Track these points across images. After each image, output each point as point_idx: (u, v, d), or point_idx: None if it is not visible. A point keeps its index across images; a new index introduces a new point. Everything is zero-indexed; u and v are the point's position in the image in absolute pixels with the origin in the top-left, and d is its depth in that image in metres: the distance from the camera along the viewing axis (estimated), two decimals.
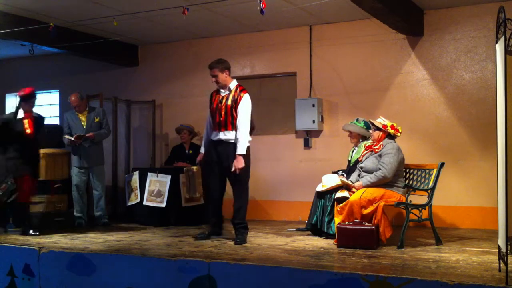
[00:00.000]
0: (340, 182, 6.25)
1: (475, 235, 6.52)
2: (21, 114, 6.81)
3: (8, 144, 6.75)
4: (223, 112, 5.96)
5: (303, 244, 5.89)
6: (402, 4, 6.86)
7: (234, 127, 5.94)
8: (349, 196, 5.91)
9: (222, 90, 6.08)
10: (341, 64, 8.08)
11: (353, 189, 6.00)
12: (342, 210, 5.85)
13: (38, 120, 6.96)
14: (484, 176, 7.04)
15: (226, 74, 6.03)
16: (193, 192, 7.52)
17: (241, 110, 5.93)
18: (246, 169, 5.94)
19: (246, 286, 4.65)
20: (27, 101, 6.83)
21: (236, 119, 5.93)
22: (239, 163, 5.84)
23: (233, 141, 5.95)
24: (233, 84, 6.08)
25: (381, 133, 6.09)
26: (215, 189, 6.17)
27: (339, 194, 6.10)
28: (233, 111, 5.93)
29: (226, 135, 5.97)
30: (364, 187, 5.90)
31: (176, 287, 4.91)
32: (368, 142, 6.37)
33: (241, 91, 6.01)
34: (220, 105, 6.00)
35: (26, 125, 6.73)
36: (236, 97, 5.96)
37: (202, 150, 6.32)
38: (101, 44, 8.59)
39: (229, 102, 5.95)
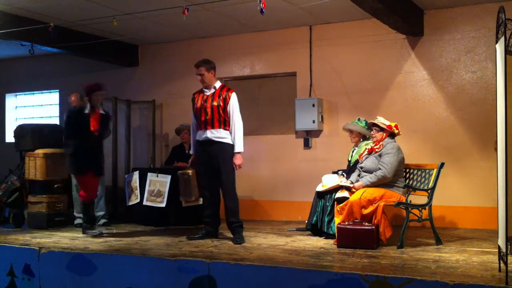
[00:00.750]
0: (340, 183, 6.25)
1: (475, 235, 6.53)
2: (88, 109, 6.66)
3: (72, 139, 6.65)
4: (209, 111, 6.01)
5: (303, 244, 5.89)
6: (402, 4, 6.86)
7: (222, 125, 6.00)
8: (349, 196, 5.92)
9: (206, 89, 6.14)
10: (341, 64, 8.08)
11: (353, 189, 6.00)
12: (342, 210, 5.85)
13: (104, 117, 6.80)
14: (484, 176, 7.03)
15: (212, 74, 6.12)
16: (188, 195, 7.48)
17: (232, 110, 6.03)
18: (234, 168, 6.03)
19: (246, 286, 4.65)
20: (90, 95, 6.61)
21: (223, 118, 6.00)
22: (238, 160, 6.00)
23: (221, 140, 6.00)
24: (218, 84, 6.16)
25: (384, 133, 6.10)
26: (207, 189, 6.21)
27: (339, 194, 6.10)
28: (220, 110, 5.98)
29: (214, 133, 6.01)
30: (364, 187, 5.90)
31: (176, 287, 4.91)
32: (369, 143, 6.36)
33: (227, 90, 6.09)
34: (205, 103, 6.06)
35: (92, 122, 6.58)
36: (224, 96, 6.02)
37: (192, 152, 6.40)
38: (101, 44, 8.59)
39: (215, 102, 6.00)
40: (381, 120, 6.14)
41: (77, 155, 6.65)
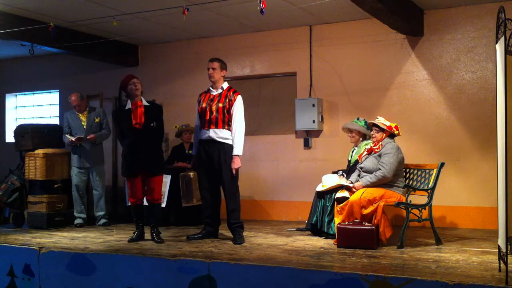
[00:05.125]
0: (340, 182, 6.25)
1: (475, 235, 6.52)
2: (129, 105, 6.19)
3: (123, 139, 6.29)
4: (214, 109, 6.01)
5: (303, 244, 5.90)
6: (402, 4, 6.85)
7: (226, 126, 6.01)
8: (349, 196, 5.92)
9: (213, 89, 6.16)
10: (341, 64, 8.08)
11: (353, 189, 6.01)
12: (342, 210, 5.85)
13: (151, 109, 6.23)
14: (484, 176, 7.04)
15: (223, 73, 6.16)
16: (189, 198, 7.47)
17: (236, 112, 6.04)
18: (237, 169, 6.05)
19: (246, 286, 4.65)
20: (125, 89, 6.19)
21: (227, 119, 6.01)
22: (236, 164, 5.99)
23: (224, 140, 6.01)
24: (225, 85, 6.18)
25: (384, 134, 6.10)
26: (208, 189, 6.21)
27: (339, 194, 6.10)
28: (225, 111, 6.00)
29: (217, 133, 6.01)
30: (364, 187, 5.90)
31: (176, 287, 4.91)
32: (369, 143, 6.36)
33: (234, 92, 6.10)
34: (210, 103, 6.07)
35: (134, 117, 6.08)
36: (230, 98, 6.03)
37: (193, 152, 6.40)
38: (101, 44, 8.59)
39: (221, 103, 6.02)
40: (381, 121, 6.14)
41: (126, 156, 6.25)
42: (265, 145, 8.55)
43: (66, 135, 7.58)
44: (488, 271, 4.36)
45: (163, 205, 7.53)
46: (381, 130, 6.10)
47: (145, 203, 7.41)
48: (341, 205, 5.90)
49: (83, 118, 7.69)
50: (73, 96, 7.69)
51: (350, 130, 6.72)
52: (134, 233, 6.26)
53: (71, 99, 7.69)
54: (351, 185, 6.09)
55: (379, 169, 5.89)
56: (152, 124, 6.14)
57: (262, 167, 8.53)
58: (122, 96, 6.29)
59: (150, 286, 5.05)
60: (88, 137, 7.51)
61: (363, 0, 6.11)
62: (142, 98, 6.25)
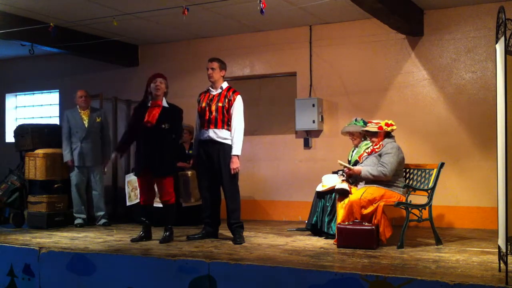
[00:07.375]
0: (340, 182, 6.24)
1: (475, 235, 6.53)
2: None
3: (125, 134, 6.29)
4: (213, 110, 6.01)
5: (303, 244, 5.89)
6: (402, 4, 6.86)
7: (225, 126, 6.01)
8: (348, 189, 5.90)
9: (212, 89, 6.16)
10: (341, 64, 8.08)
11: (351, 172, 5.94)
12: (343, 203, 5.83)
13: (168, 111, 6.08)
14: (484, 176, 7.04)
15: (222, 73, 6.16)
16: (187, 198, 7.46)
17: (236, 112, 6.03)
18: (236, 170, 6.04)
19: (246, 286, 4.65)
20: (150, 86, 6.13)
21: (227, 118, 6.01)
22: (235, 164, 5.98)
23: (223, 140, 6.00)
24: (225, 84, 6.17)
25: (379, 134, 6.06)
26: (208, 189, 6.21)
27: (339, 185, 6.04)
28: (225, 110, 6.00)
29: (216, 133, 6.01)
30: (362, 175, 5.85)
31: (176, 287, 4.91)
32: (369, 143, 6.35)
33: (233, 92, 6.10)
34: (210, 103, 6.07)
35: (148, 114, 5.99)
36: (230, 98, 6.03)
37: (194, 152, 6.41)
38: (101, 44, 8.59)
39: (220, 103, 6.01)
40: (371, 126, 6.08)
41: (138, 155, 6.22)
42: (265, 145, 8.55)
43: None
44: (488, 271, 4.36)
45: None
46: (374, 133, 6.07)
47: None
48: (341, 203, 5.89)
49: (84, 116, 7.69)
50: (79, 92, 7.71)
51: (351, 133, 6.70)
52: (140, 232, 6.25)
53: (77, 94, 7.69)
54: (351, 168, 6.01)
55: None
56: (163, 126, 6.01)
57: (262, 167, 8.53)
58: (147, 93, 6.24)
59: (150, 286, 5.04)
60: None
61: (363, 0, 6.11)
62: (164, 99, 6.16)
